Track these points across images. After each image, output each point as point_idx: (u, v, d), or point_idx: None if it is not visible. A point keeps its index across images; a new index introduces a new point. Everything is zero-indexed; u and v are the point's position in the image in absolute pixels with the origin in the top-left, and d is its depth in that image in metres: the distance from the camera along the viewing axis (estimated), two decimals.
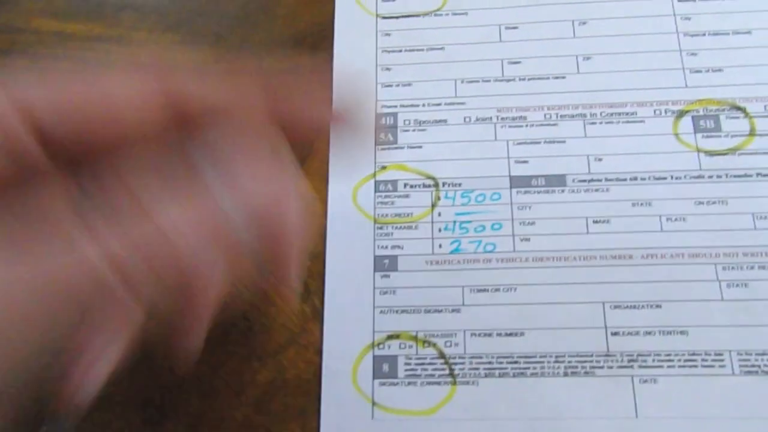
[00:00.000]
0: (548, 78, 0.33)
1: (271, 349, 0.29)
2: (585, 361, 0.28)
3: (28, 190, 0.18)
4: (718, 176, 0.31)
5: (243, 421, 0.28)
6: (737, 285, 0.29)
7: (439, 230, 0.31)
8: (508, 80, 0.34)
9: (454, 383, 0.28)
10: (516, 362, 0.28)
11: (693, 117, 0.32)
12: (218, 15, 0.37)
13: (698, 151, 0.31)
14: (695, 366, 0.28)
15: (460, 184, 0.32)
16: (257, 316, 0.30)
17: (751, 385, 0.27)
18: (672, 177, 0.31)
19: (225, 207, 0.18)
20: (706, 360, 0.28)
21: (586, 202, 0.31)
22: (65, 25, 0.37)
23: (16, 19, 0.37)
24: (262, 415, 0.28)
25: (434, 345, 0.29)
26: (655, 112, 0.32)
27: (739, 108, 0.32)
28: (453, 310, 0.29)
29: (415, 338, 0.29)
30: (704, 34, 0.33)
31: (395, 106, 0.34)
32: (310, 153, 0.33)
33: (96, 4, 0.37)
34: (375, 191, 0.32)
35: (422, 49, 0.35)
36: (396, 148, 0.33)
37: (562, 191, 0.31)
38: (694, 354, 0.28)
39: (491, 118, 0.33)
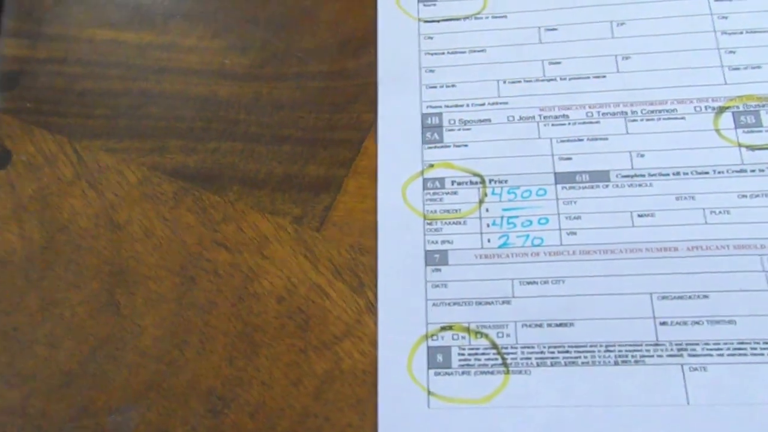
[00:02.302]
0: (589, 77, 0.34)
1: (327, 340, 0.30)
2: (635, 350, 0.29)
3: None
4: (761, 170, 0.31)
5: (302, 411, 0.29)
6: None
7: (488, 225, 0.32)
8: (550, 80, 0.34)
9: (507, 372, 0.29)
10: (567, 352, 0.29)
11: (733, 113, 0.33)
12: (264, 21, 0.38)
13: (739, 145, 0.32)
14: (744, 354, 0.28)
15: (506, 181, 0.32)
16: (313, 309, 0.31)
17: None
18: (714, 171, 0.32)
19: None
20: (756, 348, 0.28)
21: (630, 197, 0.32)
22: (117, 34, 0.38)
23: (70, 28, 0.39)
24: (321, 405, 0.29)
25: (486, 336, 0.30)
26: (695, 108, 0.33)
27: None
28: (504, 302, 0.30)
29: (467, 329, 0.30)
30: (741, 32, 0.34)
31: (440, 107, 0.35)
32: (358, 152, 0.34)
33: (146, 12, 0.39)
34: (423, 188, 0.33)
35: (464, 52, 0.36)
36: (442, 146, 0.34)
37: (606, 186, 0.32)
38: (742, 342, 0.28)
39: (534, 116, 0.34)
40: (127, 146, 0.35)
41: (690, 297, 0.29)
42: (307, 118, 0.35)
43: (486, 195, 0.32)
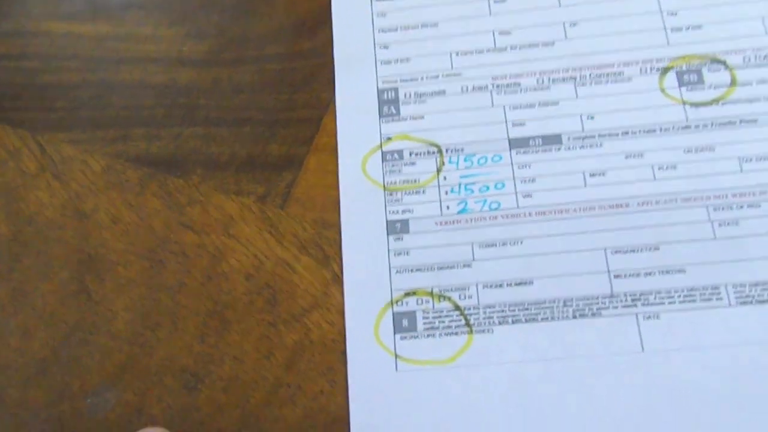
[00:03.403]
0: (538, 45, 0.35)
1: (296, 313, 0.31)
2: (591, 304, 0.30)
3: None
4: (704, 125, 0.33)
5: (274, 381, 0.30)
6: (728, 224, 0.31)
7: (446, 193, 0.33)
8: (500, 50, 0.35)
9: (471, 332, 0.30)
10: (527, 309, 0.30)
11: (677, 72, 0.34)
12: (220, 7, 0.38)
13: (684, 103, 0.33)
14: (694, 301, 0.29)
15: (462, 149, 0.33)
16: (280, 284, 0.32)
17: (747, 314, 0.29)
18: (661, 129, 0.33)
19: None
20: (704, 294, 0.30)
21: (581, 158, 0.33)
22: (74, 27, 0.39)
23: (26, 23, 0.39)
24: (292, 375, 0.30)
25: (449, 299, 0.31)
26: (640, 70, 0.34)
27: (719, 61, 0.34)
28: (464, 266, 0.31)
29: (431, 294, 0.31)
30: None
31: (395, 81, 0.35)
32: (318, 129, 0.35)
33: (102, 4, 0.39)
34: (383, 161, 0.34)
35: (416, 27, 0.37)
36: (399, 120, 0.34)
37: (559, 149, 0.33)
38: (692, 290, 0.30)
39: (487, 86, 0.35)
40: (89, 137, 0.36)
41: (642, 250, 0.31)
42: (266, 100, 0.36)
43: (443, 164, 0.33)
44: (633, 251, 0.31)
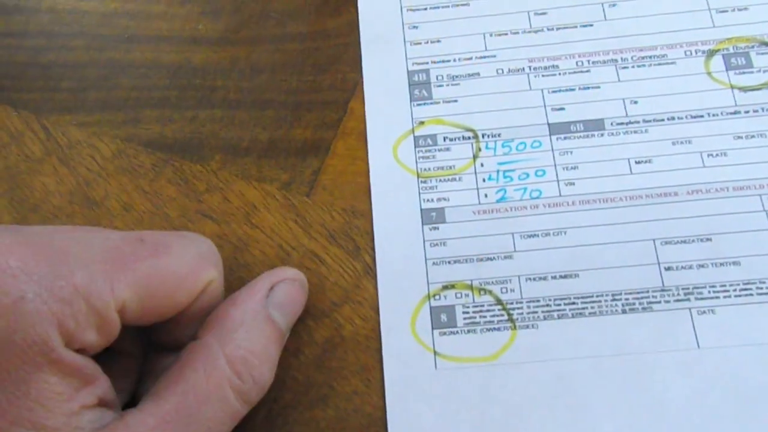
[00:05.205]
0: (576, 27, 0.34)
1: (325, 307, 0.29)
2: (642, 297, 0.28)
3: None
4: (755, 111, 0.31)
5: (304, 381, 0.28)
6: None
7: (483, 180, 0.31)
8: (537, 31, 0.34)
9: (514, 328, 0.28)
10: (573, 303, 0.28)
11: (724, 55, 0.32)
12: None
13: (732, 87, 0.32)
14: (751, 294, 0.28)
15: (499, 135, 0.32)
16: (308, 276, 0.29)
17: None
18: (709, 114, 0.31)
19: None
20: (762, 288, 0.28)
21: (626, 144, 0.31)
22: (80, 3, 0.36)
23: None
24: (324, 374, 0.28)
25: (490, 292, 0.29)
26: (685, 53, 0.32)
27: None
28: (505, 257, 0.29)
29: (470, 287, 0.29)
30: None
31: (426, 63, 0.33)
32: (345, 113, 0.33)
33: None
34: (415, 146, 0.32)
35: (447, 6, 0.35)
36: (432, 103, 0.32)
37: (602, 135, 0.31)
38: (748, 283, 0.28)
39: (523, 68, 0.33)
40: (98, 119, 0.33)
41: (693, 241, 0.29)
42: (289, 81, 0.34)
43: (480, 150, 0.31)
44: (684, 242, 0.29)
